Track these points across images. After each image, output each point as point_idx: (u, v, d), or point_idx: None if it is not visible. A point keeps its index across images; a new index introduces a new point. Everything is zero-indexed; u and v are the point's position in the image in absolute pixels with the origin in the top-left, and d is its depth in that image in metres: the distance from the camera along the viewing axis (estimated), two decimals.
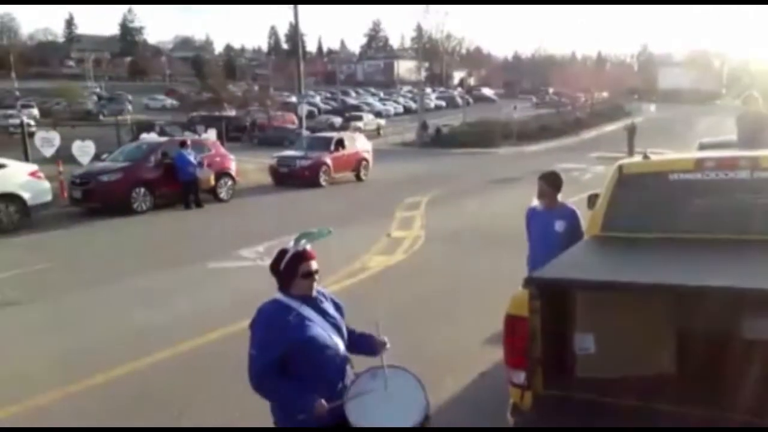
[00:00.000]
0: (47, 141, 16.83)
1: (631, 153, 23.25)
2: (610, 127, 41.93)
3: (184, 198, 14.98)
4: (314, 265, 2.83)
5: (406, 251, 10.23)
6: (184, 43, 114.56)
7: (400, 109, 60.37)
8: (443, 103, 64.57)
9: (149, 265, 9.44)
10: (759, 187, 4.17)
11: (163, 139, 18.64)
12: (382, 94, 72.52)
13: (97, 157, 16.83)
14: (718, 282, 2.98)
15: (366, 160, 20.99)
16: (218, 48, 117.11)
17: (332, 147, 19.96)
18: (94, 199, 14.25)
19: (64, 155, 16.49)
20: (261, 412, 2.91)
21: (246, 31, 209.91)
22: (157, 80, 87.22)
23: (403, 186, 18.22)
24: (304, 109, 28.30)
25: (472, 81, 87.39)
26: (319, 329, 2.80)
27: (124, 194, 14.12)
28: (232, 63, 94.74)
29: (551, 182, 5.06)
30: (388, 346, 2.97)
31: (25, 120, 25.31)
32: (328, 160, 19.49)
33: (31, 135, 18.42)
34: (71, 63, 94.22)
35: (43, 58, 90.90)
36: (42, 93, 55.63)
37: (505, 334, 3.40)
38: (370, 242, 10.72)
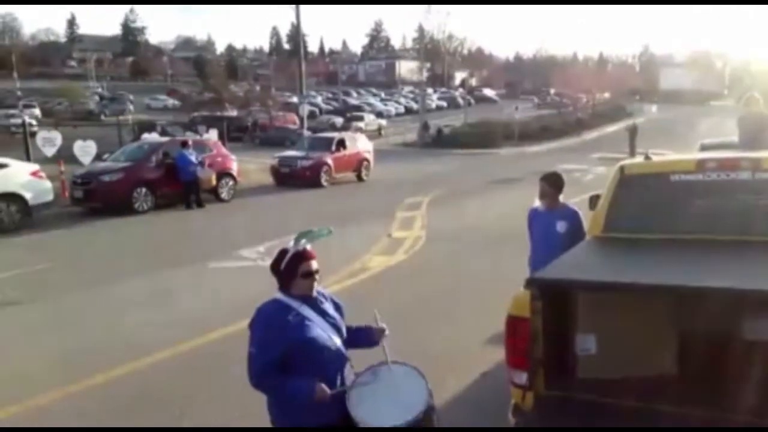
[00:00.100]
0: (49, 141, 16.84)
1: (632, 154, 23.25)
2: (611, 128, 41.92)
3: (185, 198, 14.99)
4: (314, 265, 2.83)
5: (407, 251, 10.23)
6: (186, 43, 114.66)
7: (402, 110, 60.37)
8: (445, 104, 64.58)
9: (150, 265, 9.45)
10: (760, 188, 4.17)
11: (165, 139, 18.66)
12: (383, 95, 72.55)
13: (98, 157, 16.85)
14: (719, 283, 2.98)
15: (367, 160, 21.00)
16: (220, 48, 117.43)
17: (333, 147, 19.97)
18: (96, 198, 14.27)
19: (66, 155, 16.50)
20: (262, 411, 2.92)
21: (248, 31, 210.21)
22: (159, 80, 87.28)
23: (404, 186, 18.23)
24: (305, 110, 28.31)
25: (473, 82, 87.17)
26: (319, 329, 2.80)
27: (125, 194, 14.13)
28: (234, 63, 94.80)
29: (553, 183, 5.06)
30: (387, 332, 2.98)
31: (27, 120, 25.36)
32: (330, 161, 19.49)
33: (33, 135, 18.44)
34: (73, 63, 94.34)
35: (45, 58, 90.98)
36: (44, 93, 55.73)
37: (507, 334, 3.40)
38: (371, 242, 10.72)
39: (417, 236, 11.40)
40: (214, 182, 15.70)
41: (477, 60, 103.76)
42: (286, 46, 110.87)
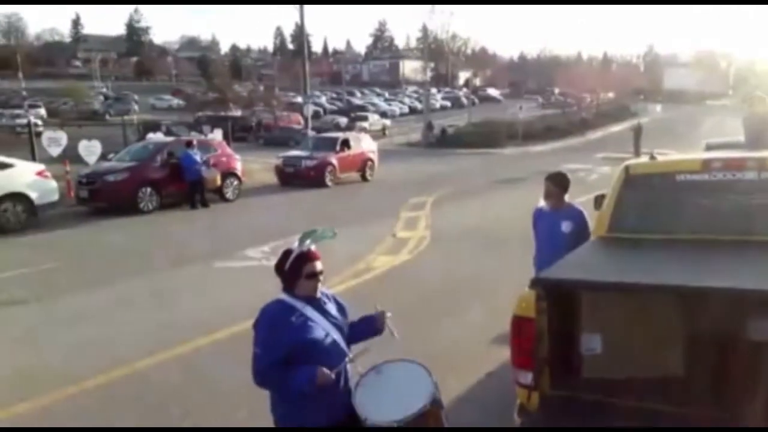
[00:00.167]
0: (54, 141, 16.90)
1: (637, 153, 23.20)
2: (615, 128, 41.83)
3: (190, 198, 15.02)
4: (319, 265, 2.84)
5: (411, 251, 10.23)
6: (190, 43, 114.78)
7: (406, 110, 60.37)
8: (448, 104, 64.57)
9: (155, 265, 9.47)
10: (766, 188, 4.15)
11: (170, 139, 18.67)
12: (387, 95, 72.49)
13: (103, 157, 16.91)
14: (724, 283, 2.98)
15: (371, 160, 21.00)
16: (224, 48, 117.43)
17: (338, 147, 19.99)
18: (101, 198, 14.31)
19: (71, 155, 16.56)
20: (267, 411, 2.93)
21: (252, 31, 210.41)
22: (164, 80, 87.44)
23: (408, 186, 18.23)
24: (309, 110, 28.38)
25: (477, 81, 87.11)
26: (322, 330, 2.81)
27: (130, 194, 14.17)
28: (238, 63, 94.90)
29: (558, 182, 5.05)
30: (389, 314, 3.00)
31: (33, 120, 25.40)
32: (334, 161, 19.51)
33: (39, 135, 18.52)
34: (78, 63, 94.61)
35: (50, 58, 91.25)
36: (49, 93, 55.86)
37: (512, 334, 3.40)
38: (375, 242, 10.73)
39: (421, 236, 11.40)
40: (218, 182, 15.72)
41: (481, 60, 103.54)
42: (290, 46, 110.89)
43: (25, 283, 8.50)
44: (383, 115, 51.14)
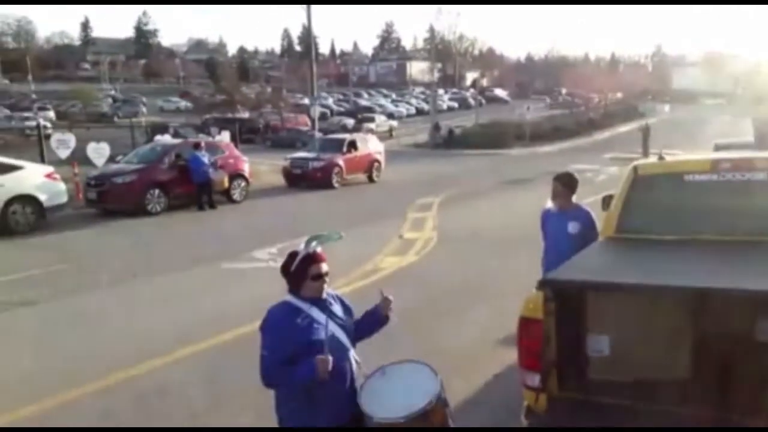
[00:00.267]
0: (63, 143, 16.97)
1: (645, 154, 23.09)
2: (623, 128, 41.65)
3: (197, 199, 15.07)
4: (324, 267, 2.85)
5: (418, 252, 10.23)
6: (198, 45, 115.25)
7: (413, 111, 60.32)
8: (456, 104, 64.47)
9: (163, 266, 9.51)
10: None
11: (177, 141, 18.74)
12: (394, 96, 72.52)
13: (111, 159, 16.97)
14: (733, 284, 2.96)
15: (378, 161, 21.01)
16: (231, 50, 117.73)
17: (345, 148, 20.00)
18: (109, 200, 14.37)
19: (80, 157, 16.63)
20: (275, 413, 2.93)
21: (259, 33, 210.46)
22: (171, 82, 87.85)
23: (415, 187, 18.22)
24: (316, 111, 28.36)
25: (484, 82, 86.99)
26: (328, 331, 2.81)
27: (138, 196, 14.23)
28: (246, 65, 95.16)
29: (565, 183, 5.04)
30: (391, 297, 3.04)
31: (42, 122, 25.61)
32: (341, 162, 19.53)
33: (47, 137, 18.59)
34: (87, 66, 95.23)
35: (60, 61, 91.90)
36: (58, 95, 56.31)
37: (519, 336, 3.40)
38: (382, 243, 10.73)
39: (428, 237, 11.39)
40: (226, 184, 15.77)
41: (488, 60, 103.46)
42: (298, 48, 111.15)
43: (35, 284, 8.56)
44: (390, 116, 51.06)
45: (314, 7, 27.64)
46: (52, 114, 44.01)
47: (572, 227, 4.89)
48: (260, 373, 2.77)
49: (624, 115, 47.61)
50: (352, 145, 20.35)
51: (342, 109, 57.38)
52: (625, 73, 75.14)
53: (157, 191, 14.57)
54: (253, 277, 8.69)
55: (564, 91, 70.32)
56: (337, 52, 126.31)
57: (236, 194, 16.35)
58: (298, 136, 33.53)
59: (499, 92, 77.93)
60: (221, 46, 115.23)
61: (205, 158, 15.09)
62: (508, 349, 4.91)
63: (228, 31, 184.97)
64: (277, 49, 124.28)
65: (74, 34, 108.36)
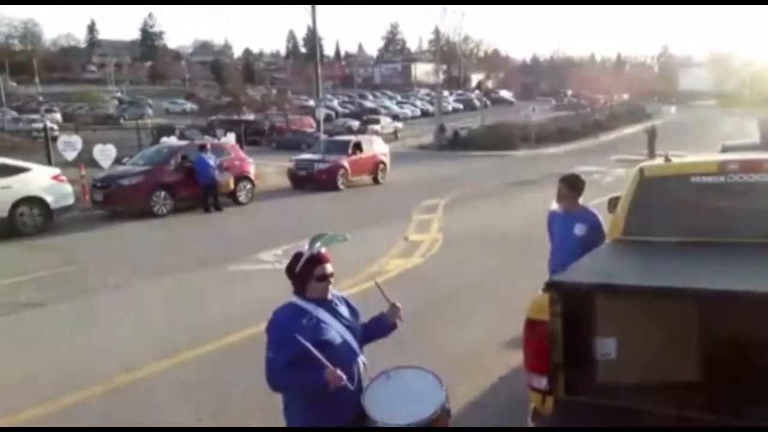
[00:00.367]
0: (69, 145, 17.06)
1: (652, 155, 23.00)
2: (629, 130, 41.53)
3: (203, 201, 15.11)
4: (329, 268, 2.86)
5: (423, 254, 10.22)
6: (204, 47, 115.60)
7: (418, 112, 60.36)
8: (461, 106, 64.44)
9: (169, 268, 9.53)
10: None
11: (183, 142, 18.81)
12: (399, 97, 72.52)
13: (118, 161, 17.06)
14: (740, 286, 2.94)
15: (383, 163, 21.02)
16: (237, 52, 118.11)
17: (350, 150, 20.02)
18: (115, 202, 14.44)
19: (86, 159, 16.71)
20: (282, 416, 2.93)
21: (264, 35, 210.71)
22: (177, 84, 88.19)
23: (421, 189, 18.21)
24: (321, 113, 28.47)
25: (489, 83, 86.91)
26: (334, 332, 2.83)
27: (144, 197, 14.28)
28: (251, 67, 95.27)
29: (572, 185, 5.01)
30: (399, 305, 3.05)
31: (48, 124, 25.74)
32: (346, 164, 19.55)
33: (54, 139, 18.70)
34: (93, 68, 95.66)
35: (66, 63, 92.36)
36: (64, 97, 56.61)
37: (526, 338, 3.38)
38: (387, 245, 10.72)
39: (434, 239, 11.38)
40: (232, 186, 15.80)
41: (493, 62, 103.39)
42: (303, 50, 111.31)
43: (42, 285, 8.60)
44: (395, 117, 51.13)
45: (319, 9, 27.74)
46: (58, 116, 44.17)
47: (579, 229, 4.87)
48: (266, 375, 2.76)
49: (630, 116, 47.42)
50: (357, 146, 20.37)
51: (347, 111, 57.50)
52: (631, 74, 74.91)
53: (163, 193, 14.62)
54: (259, 279, 8.70)
55: (569, 92, 70.11)
56: (342, 53, 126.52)
57: (242, 196, 16.39)
58: (303, 137, 33.61)
59: (505, 94, 77.83)
60: (227, 48, 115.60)
61: (211, 160, 15.13)
62: (513, 351, 4.90)
63: (233, 33, 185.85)
64: (282, 51, 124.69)
65: (80, 37, 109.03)
